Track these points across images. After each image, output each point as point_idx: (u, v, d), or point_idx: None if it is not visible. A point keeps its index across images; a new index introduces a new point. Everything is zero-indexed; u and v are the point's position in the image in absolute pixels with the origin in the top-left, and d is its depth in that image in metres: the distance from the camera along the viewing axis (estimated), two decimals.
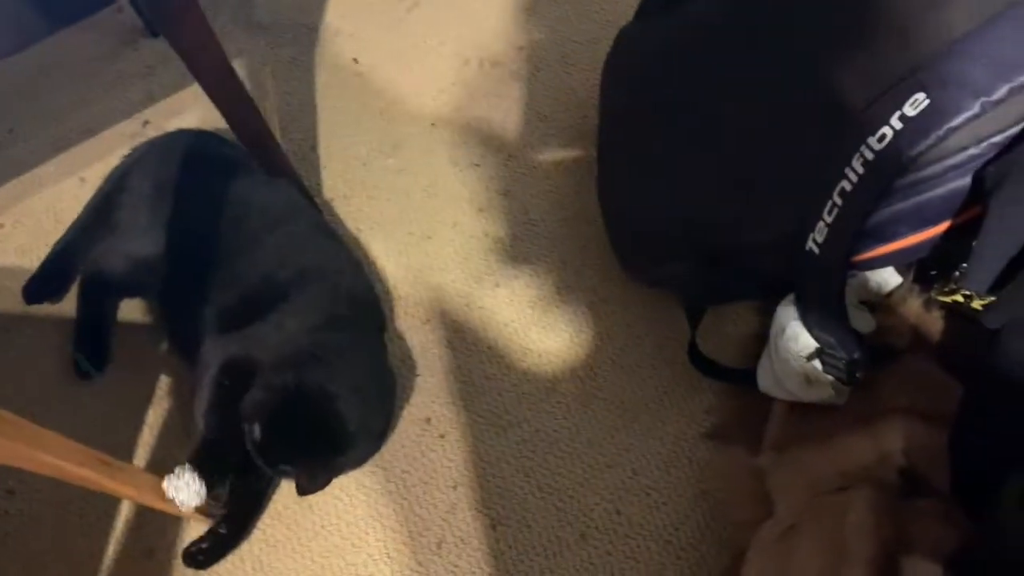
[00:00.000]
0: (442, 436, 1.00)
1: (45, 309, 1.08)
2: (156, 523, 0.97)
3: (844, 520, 0.75)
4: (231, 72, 0.90)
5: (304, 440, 0.87)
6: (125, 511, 0.98)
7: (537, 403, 1.01)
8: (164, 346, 1.07)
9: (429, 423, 1.01)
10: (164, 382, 1.06)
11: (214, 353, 0.94)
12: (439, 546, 0.94)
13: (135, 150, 1.11)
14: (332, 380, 0.89)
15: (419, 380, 1.04)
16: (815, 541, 0.76)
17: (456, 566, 0.93)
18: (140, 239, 1.01)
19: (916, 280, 0.89)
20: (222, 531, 0.94)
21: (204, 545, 0.94)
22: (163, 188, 1.01)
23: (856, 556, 0.71)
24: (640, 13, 1.13)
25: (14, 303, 1.08)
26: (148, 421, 1.03)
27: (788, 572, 0.77)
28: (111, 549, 0.96)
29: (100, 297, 1.06)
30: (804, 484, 0.81)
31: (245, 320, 0.94)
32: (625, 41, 1.11)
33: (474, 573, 0.93)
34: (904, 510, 0.75)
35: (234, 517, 0.95)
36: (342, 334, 0.95)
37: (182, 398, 1.04)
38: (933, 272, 0.89)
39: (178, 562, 0.94)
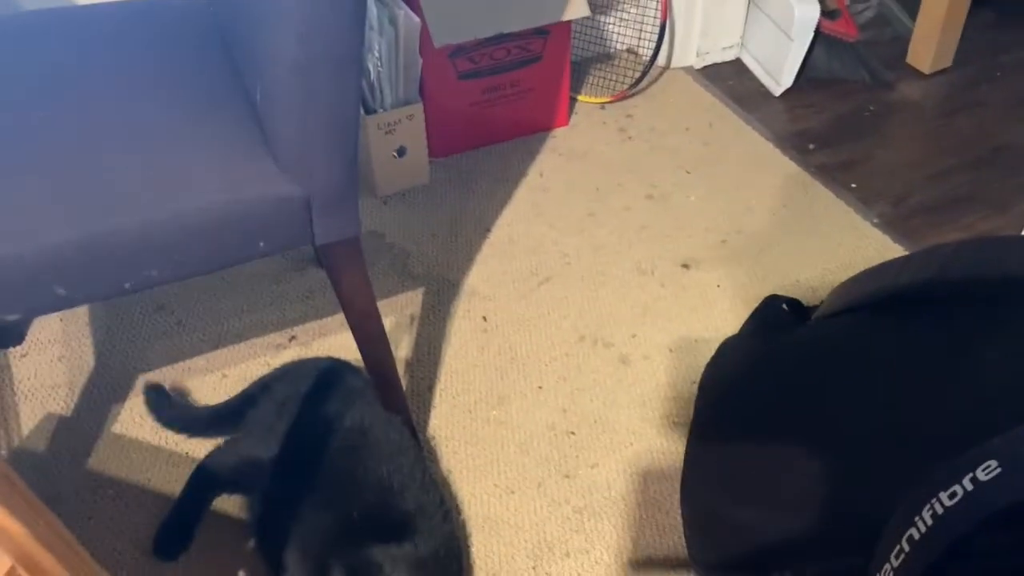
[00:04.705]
0: None
1: (145, 480, 1.18)
2: None
3: None
4: (376, 316, 1.05)
5: None
6: None
7: None
8: (251, 545, 1.14)
9: None
10: None
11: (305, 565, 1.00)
12: None
13: (280, 367, 1.25)
14: None
15: None
16: None
17: None
18: (259, 442, 1.12)
19: None
20: None
21: None
22: (292, 403, 1.14)
23: None
24: (744, 333, 1.23)
25: (129, 469, 1.20)
26: None
27: None
28: None
29: (205, 489, 1.16)
30: None
31: (342, 543, 1.00)
32: (727, 351, 1.20)
33: None
34: None
35: None
36: None
37: None
38: None
39: None
